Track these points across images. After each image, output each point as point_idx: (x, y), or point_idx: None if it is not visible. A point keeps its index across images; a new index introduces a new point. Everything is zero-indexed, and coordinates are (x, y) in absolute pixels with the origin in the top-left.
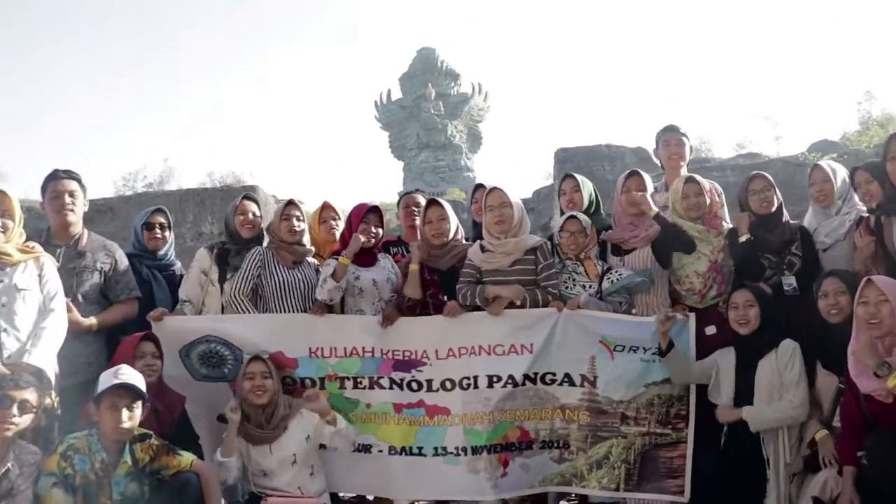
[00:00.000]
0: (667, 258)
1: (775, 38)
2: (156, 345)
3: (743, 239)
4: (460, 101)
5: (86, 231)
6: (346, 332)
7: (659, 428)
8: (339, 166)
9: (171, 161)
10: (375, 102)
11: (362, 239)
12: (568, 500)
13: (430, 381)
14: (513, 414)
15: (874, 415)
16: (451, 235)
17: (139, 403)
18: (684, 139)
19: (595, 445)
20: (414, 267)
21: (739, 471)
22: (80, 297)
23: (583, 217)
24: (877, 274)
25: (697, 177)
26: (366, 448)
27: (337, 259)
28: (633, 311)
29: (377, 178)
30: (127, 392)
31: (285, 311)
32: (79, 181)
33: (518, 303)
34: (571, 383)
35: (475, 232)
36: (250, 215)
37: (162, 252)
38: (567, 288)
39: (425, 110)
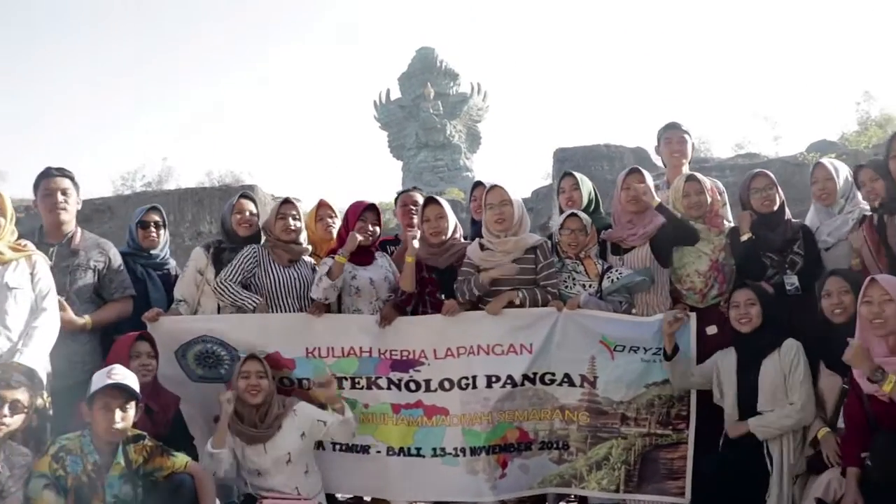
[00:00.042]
0: (666, 256)
1: (774, 38)
2: (151, 344)
3: (744, 238)
4: (459, 100)
5: (79, 229)
6: (344, 332)
7: (659, 429)
8: (338, 166)
9: (169, 160)
10: (374, 102)
11: (359, 237)
12: (567, 502)
13: (428, 382)
14: (512, 414)
15: (877, 415)
16: (449, 234)
17: (133, 404)
18: (686, 136)
19: (595, 446)
20: (409, 259)
21: (740, 472)
22: (73, 295)
23: (583, 215)
24: (864, 268)
25: (699, 175)
26: (364, 448)
27: (333, 258)
28: (634, 310)
29: (376, 178)
30: (120, 392)
31: (281, 311)
32: (72, 179)
33: (517, 302)
34: (571, 383)
35: (473, 230)
36: (247, 214)
37: (156, 251)
38: (567, 287)
39: (424, 110)
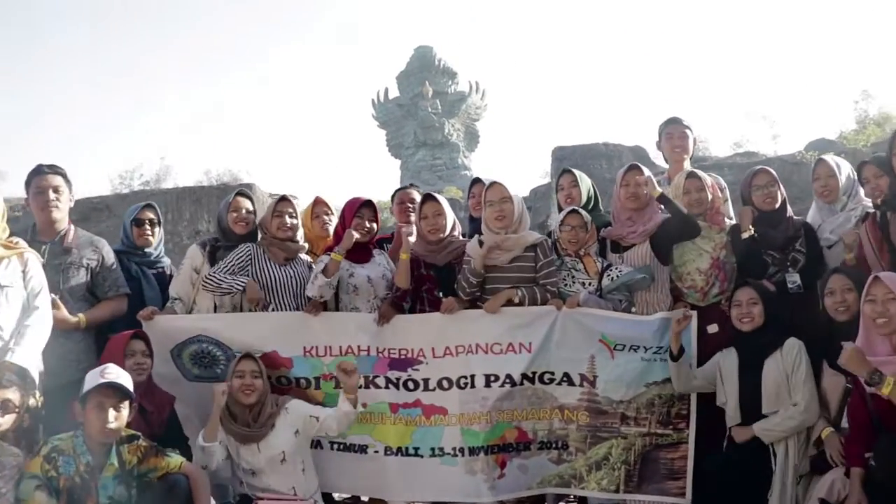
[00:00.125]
0: (667, 254)
1: (772, 37)
2: (146, 343)
3: (746, 235)
4: (457, 99)
5: (72, 227)
6: (341, 331)
7: (660, 428)
8: (337, 165)
9: (167, 159)
10: (373, 101)
11: (355, 235)
12: (566, 502)
13: (426, 381)
14: (510, 414)
15: (881, 415)
16: (447, 231)
17: (126, 403)
18: (688, 131)
19: (594, 446)
20: (404, 256)
21: (743, 472)
22: (65, 294)
23: (583, 212)
24: (858, 264)
25: (699, 172)
26: (361, 448)
27: (330, 255)
28: (634, 309)
29: (374, 177)
30: (114, 391)
31: (277, 309)
32: (63, 176)
33: (516, 300)
34: (570, 383)
35: (472, 227)
36: (243, 212)
37: (151, 249)
38: (566, 285)
39: (422, 109)
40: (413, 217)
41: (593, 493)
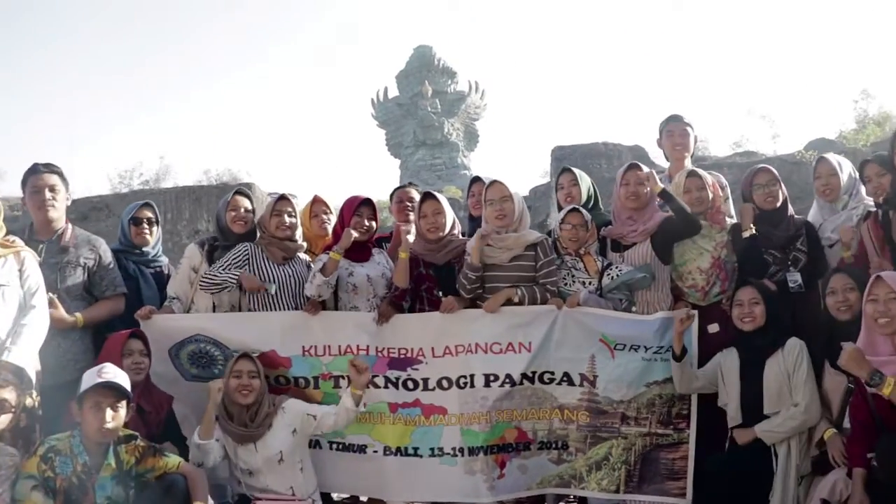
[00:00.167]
0: (667, 253)
1: (772, 37)
2: (144, 343)
3: (747, 234)
4: (457, 98)
5: (70, 226)
6: (341, 330)
7: (660, 428)
8: (336, 164)
9: (167, 158)
10: (372, 100)
11: (354, 234)
12: (566, 503)
13: (426, 380)
14: (510, 414)
15: (883, 415)
16: (447, 230)
17: (124, 403)
18: (688, 129)
19: (594, 446)
20: (403, 255)
21: (743, 472)
22: (62, 293)
23: (584, 211)
24: (856, 261)
25: (700, 171)
26: (360, 448)
27: (328, 254)
28: (634, 308)
29: (374, 177)
30: (111, 391)
31: (275, 308)
32: (60, 174)
33: (516, 299)
34: (570, 383)
35: (471, 226)
36: (242, 210)
37: (149, 248)
38: (566, 284)
39: (422, 108)
40: (412, 216)
41: (593, 494)
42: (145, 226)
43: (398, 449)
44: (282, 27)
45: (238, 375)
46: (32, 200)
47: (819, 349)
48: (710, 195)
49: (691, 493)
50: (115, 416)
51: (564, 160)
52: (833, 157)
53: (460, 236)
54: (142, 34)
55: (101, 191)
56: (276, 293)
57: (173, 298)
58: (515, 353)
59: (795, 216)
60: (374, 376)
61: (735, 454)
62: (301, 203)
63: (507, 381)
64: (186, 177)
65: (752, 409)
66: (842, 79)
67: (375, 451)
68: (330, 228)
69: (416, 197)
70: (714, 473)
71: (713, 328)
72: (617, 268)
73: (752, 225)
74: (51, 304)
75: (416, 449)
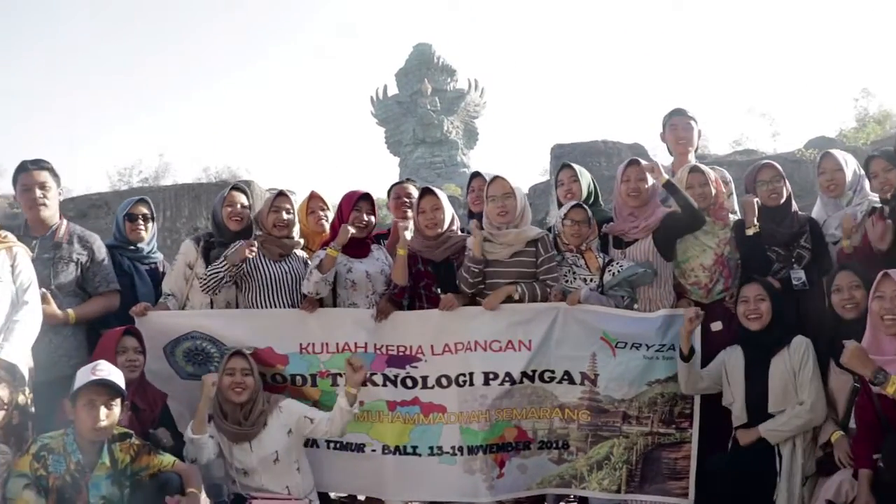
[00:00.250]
0: (669, 249)
1: (772, 35)
2: (138, 339)
3: (751, 232)
4: (456, 96)
5: (64, 221)
6: (338, 327)
7: (662, 427)
8: (336, 162)
9: (166, 156)
10: (371, 98)
11: (351, 230)
12: (567, 503)
13: (425, 378)
14: (510, 413)
15: (889, 415)
16: (445, 226)
17: (118, 401)
18: (692, 123)
19: (595, 446)
20: (401, 251)
21: (749, 472)
22: (55, 289)
23: (586, 207)
24: (851, 251)
25: (702, 166)
26: (358, 447)
27: (326, 250)
28: (636, 306)
29: (373, 174)
30: (105, 389)
31: (272, 306)
32: (50, 170)
33: (516, 297)
34: (571, 381)
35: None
36: (238, 207)
37: (143, 244)
38: (567, 281)
39: (421, 106)
40: (410, 212)
41: (594, 494)
42: (140, 222)
43: (397, 448)
44: (281, 25)
45: (231, 373)
46: (23, 199)
47: (824, 347)
48: (713, 191)
49: (693, 493)
50: (110, 415)
51: (564, 158)
52: (838, 153)
53: (459, 232)
54: (142, 30)
55: (100, 188)
56: (272, 290)
57: (168, 295)
58: (515, 351)
59: (799, 213)
60: (372, 374)
61: (738, 454)
62: (299, 200)
63: (507, 379)
64: (186, 174)
65: (758, 409)
66: (842, 77)
67: (374, 450)
68: (327, 225)
69: (414, 193)
70: (717, 473)
71: (716, 326)
72: (618, 263)
73: (755, 222)
74: (43, 299)
75: (414, 448)
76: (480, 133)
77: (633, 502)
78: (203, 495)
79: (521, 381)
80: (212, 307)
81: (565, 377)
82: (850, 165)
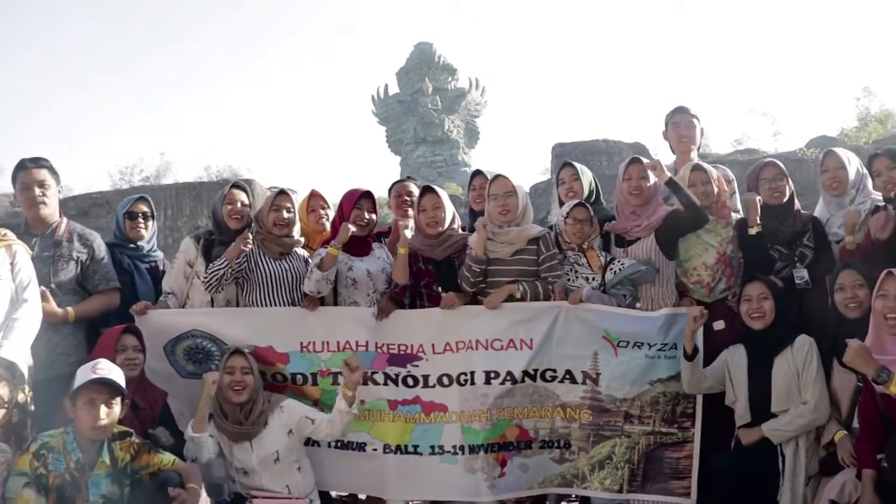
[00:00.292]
0: (672, 247)
1: (774, 34)
2: (138, 338)
3: (754, 231)
4: (457, 95)
5: (64, 219)
6: (339, 326)
7: (664, 427)
8: (337, 161)
9: (167, 155)
10: (372, 97)
11: (352, 228)
12: (568, 502)
13: (426, 377)
14: (511, 412)
15: (892, 414)
16: (446, 224)
17: (118, 400)
18: (695, 121)
19: (597, 445)
20: (402, 250)
21: (752, 472)
22: (55, 287)
23: (588, 206)
24: (854, 247)
25: (705, 165)
26: (359, 446)
27: (326, 248)
28: (638, 304)
29: (374, 173)
30: (105, 387)
31: (272, 304)
32: (49, 168)
33: (517, 295)
34: (573, 380)
35: (472, 222)
36: (238, 205)
37: (143, 242)
38: (569, 280)
39: (422, 105)
40: (410, 211)
41: (596, 493)
42: (140, 220)
43: (398, 447)
44: (281, 24)
45: (231, 372)
46: (23, 197)
47: (827, 347)
48: (716, 189)
49: (696, 492)
50: (110, 413)
51: (565, 157)
52: (841, 152)
53: (460, 231)
54: (142, 29)
55: (101, 187)
56: (273, 289)
57: (168, 293)
58: (517, 349)
59: (802, 211)
60: (373, 373)
61: (741, 453)
62: (300, 198)
63: (508, 378)
64: (187, 173)
65: (761, 409)
66: (843, 76)
67: (375, 449)
68: (328, 223)
69: (415, 191)
70: (719, 473)
71: (718, 325)
72: (620, 262)
73: (758, 221)
74: (43, 297)
75: (416, 447)
76: (481, 132)
77: (636, 502)
78: (203, 494)
79: (523, 381)
80: (212, 305)
81: (567, 376)
82: (853, 164)
